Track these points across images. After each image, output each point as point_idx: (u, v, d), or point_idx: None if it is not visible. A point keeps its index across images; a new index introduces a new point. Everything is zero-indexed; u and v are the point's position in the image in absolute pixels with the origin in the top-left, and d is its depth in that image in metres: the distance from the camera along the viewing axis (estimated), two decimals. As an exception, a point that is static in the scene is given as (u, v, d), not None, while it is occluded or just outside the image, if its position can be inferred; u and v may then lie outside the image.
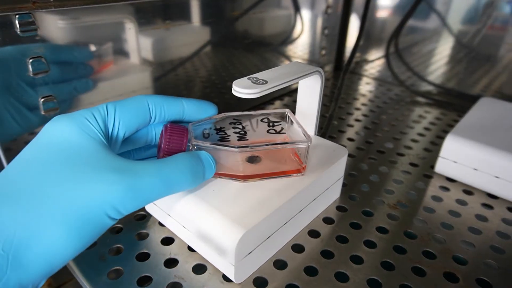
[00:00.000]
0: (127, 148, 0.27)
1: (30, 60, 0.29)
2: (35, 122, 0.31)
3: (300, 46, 0.60)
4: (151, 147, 0.29)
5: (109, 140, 0.24)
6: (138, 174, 0.21)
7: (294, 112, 0.32)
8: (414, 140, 0.46)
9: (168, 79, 0.42)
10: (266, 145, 0.27)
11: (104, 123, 0.23)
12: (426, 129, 0.49)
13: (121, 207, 0.20)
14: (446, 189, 0.37)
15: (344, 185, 0.36)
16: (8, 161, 0.31)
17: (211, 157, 0.25)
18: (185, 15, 0.41)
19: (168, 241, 0.29)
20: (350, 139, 0.46)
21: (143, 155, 0.29)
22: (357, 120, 0.51)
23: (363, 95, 0.60)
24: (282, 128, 0.30)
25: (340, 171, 0.32)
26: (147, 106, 0.26)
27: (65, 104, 0.33)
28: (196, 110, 0.28)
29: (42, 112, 0.31)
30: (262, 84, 0.25)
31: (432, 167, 0.40)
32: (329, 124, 0.41)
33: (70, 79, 0.32)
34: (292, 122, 0.30)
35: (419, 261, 0.28)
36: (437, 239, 0.30)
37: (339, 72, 0.69)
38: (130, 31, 0.36)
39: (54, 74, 0.31)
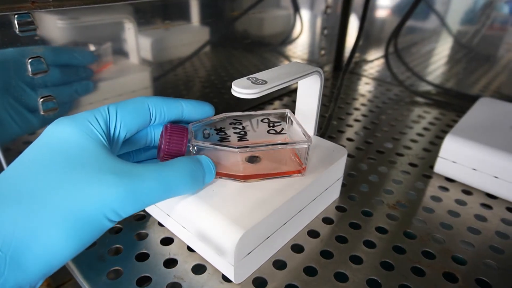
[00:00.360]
0: (127, 150, 0.27)
1: (29, 60, 0.29)
2: (34, 123, 0.31)
3: (299, 46, 0.60)
4: (151, 148, 0.29)
5: (110, 142, 0.24)
6: (138, 177, 0.21)
7: (293, 112, 0.32)
8: (413, 140, 0.46)
9: (168, 79, 0.42)
10: (266, 145, 0.27)
11: (105, 124, 0.23)
12: (426, 129, 0.49)
13: (120, 209, 0.20)
14: (445, 189, 0.37)
15: (343, 185, 0.36)
16: (7, 161, 0.31)
17: (211, 162, 0.26)
18: (184, 15, 0.41)
19: (167, 241, 0.29)
20: (349, 139, 0.46)
21: (142, 156, 0.29)
22: (356, 120, 0.51)
23: (363, 95, 0.60)
24: (283, 129, 0.30)
25: (339, 171, 0.32)
26: (147, 108, 0.26)
27: (65, 105, 0.33)
28: (194, 111, 0.28)
29: (42, 112, 0.31)
30: (262, 84, 0.25)
31: (432, 167, 0.40)
32: (329, 124, 0.41)
33: (70, 82, 0.32)
34: (292, 122, 0.30)
35: (419, 261, 0.28)
36: (437, 239, 0.30)
37: (339, 72, 0.69)
38: (130, 31, 0.36)
39: (55, 76, 0.31)
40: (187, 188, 0.24)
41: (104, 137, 0.23)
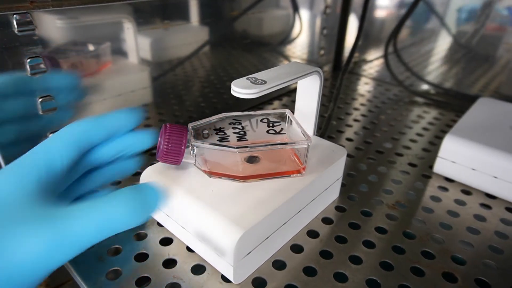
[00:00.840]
0: (72, 179, 0.26)
1: (28, 60, 0.29)
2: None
3: (299, 46, 0.60)
4: (95, 169, 0.27)
5: (50, 180, 0.22)
6: (67, 221, 0.19)
7: (293, 112, 0.32)
8: (412, 140, 0.46)
9: (167, 79, 0.42)
10: (266, 145, 0.27)
11: (43, 166, 0.22)
12: (425, 129, 0.49)
13: (50, 259, 0.19)
14: (444, 189, 0.37)
15: (343, 185, 0.36)
16: (7, 161, 0.31)
17: (157, 189, 0.22)
18: (183, 15, 0.41)
19: (167, 241, 0.29)
20: (349, 139, 0.46)
21: (88, 183, 0.27)
22: (355, 120, 0.51)
23: (362, 95, 0.60)
24: (282, 129, 0.30)
25: (339, 171, 0.32)
26: (80, 136, 0.24)
27: (64, 105, 0.33)
28: (119, 122, 0.26)
29: (40, 113, 0.31)
30: (261, 84, 0.25)
31: (431, 167, 0.40)
32: (328, 124, 0.41)
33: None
34: (291, 122, 0.30)
35: (418, 261, 0.28)
36: (436, 239, 0.30)
37: (338, 72, 0.69)
38: (129, 31, 0.36)
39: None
40: (128, 223, 0.21)
41: (40, 180, 0.21)
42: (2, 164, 0.31)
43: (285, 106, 0.55)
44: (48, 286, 0.36)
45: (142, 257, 0.27)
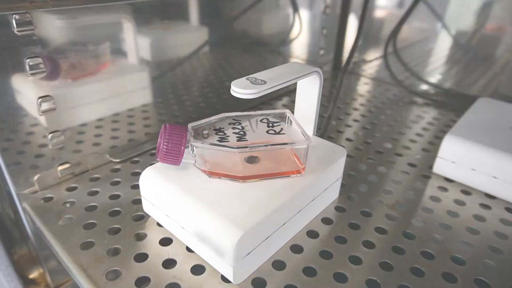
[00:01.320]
0: None
1: (28, 60, 0.29)
2: None
3: (298, 46, 0.60)
4: None
5: None
6: None
7: (292, 113, 0.32)
8: (412, 141, 0.46)
9: (166, 79, 0.42)
10: (266, 145, 0.27)
11: None
12: (424, 129, 0.49)
13: None
14: (444, 189, 0.37)
15: (342, 185, 0.36)
16: (6, 160, 0.31)
17: None
18: (183, 15, 0.41)
19: (166, 241, 0.29)
20: (348, 139, 0.46)
21: None
22: (355, 121, 0.51)
23: (362, 95, 0.60)
24: (282, 129, 0.30)
25: (338, 172, 0.32)
26: None
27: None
28: None
29: (40, 113, 0.31)
30: (261, 84, 0.25)
31: (431, 167, 0.40)
32: (328, 125, 0.41)
33: None
34: (291, 122, 0.30)
35: (418, 261, 0.28)
36: (436, 240, 0.30)
37: (338, 72, 0.69)
38: (128, 30, 0.36)
39: None
40: None
41: None
42: (2, 164, 0.31)
43: (285, 106, 0.55)
44: (48, 286, 0.36)
45: (141, 257, 0.27)
